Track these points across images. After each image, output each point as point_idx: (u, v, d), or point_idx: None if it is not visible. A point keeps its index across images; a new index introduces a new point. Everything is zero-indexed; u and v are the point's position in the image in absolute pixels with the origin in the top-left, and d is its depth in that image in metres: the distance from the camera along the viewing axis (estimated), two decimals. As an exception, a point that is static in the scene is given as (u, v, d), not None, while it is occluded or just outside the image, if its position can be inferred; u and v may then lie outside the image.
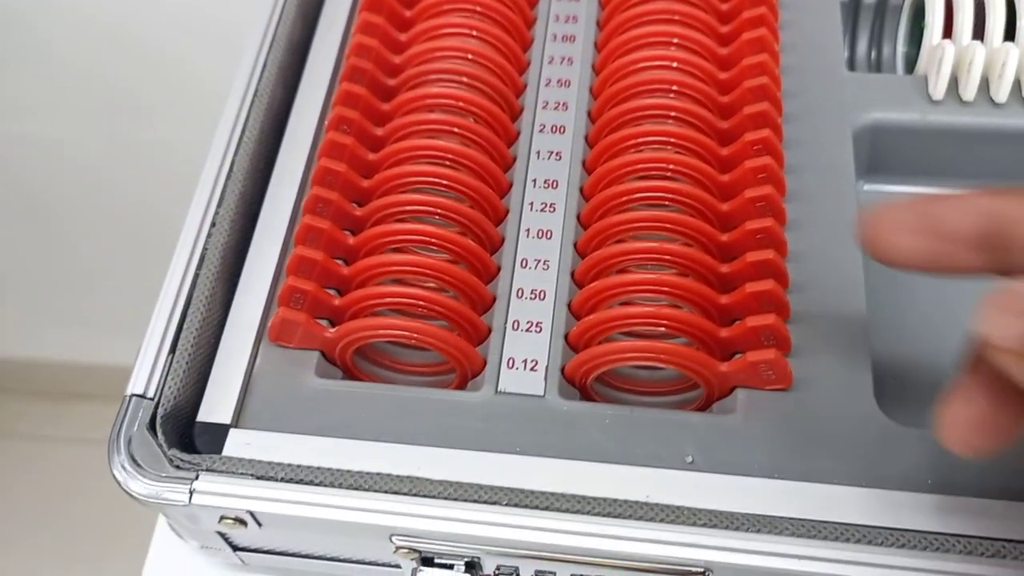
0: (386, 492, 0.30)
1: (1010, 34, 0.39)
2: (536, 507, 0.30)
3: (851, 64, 0.43)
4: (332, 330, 0.33)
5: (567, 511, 0.29)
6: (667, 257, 0.34)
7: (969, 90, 0.38)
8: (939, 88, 0.38)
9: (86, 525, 1.02)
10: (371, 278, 0.35)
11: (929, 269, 0.25)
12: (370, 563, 0.34)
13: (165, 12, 0.69)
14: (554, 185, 0.38)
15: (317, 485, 0.30)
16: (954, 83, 0.39)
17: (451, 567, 0.31)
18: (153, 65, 0.73)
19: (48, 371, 1.12)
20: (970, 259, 0.24)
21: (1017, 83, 0.38)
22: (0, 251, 0.97)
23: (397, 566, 0.33)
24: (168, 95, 0.75)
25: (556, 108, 0.40)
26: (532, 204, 0.37)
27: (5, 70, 0.75)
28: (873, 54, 0.44)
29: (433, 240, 0.35)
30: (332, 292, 0.34)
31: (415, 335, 0.33)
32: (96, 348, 1.06)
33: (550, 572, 0.31)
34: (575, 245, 0.36)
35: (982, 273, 0.24)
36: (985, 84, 0.38)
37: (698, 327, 0.32)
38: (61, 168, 0.86)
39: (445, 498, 0.30)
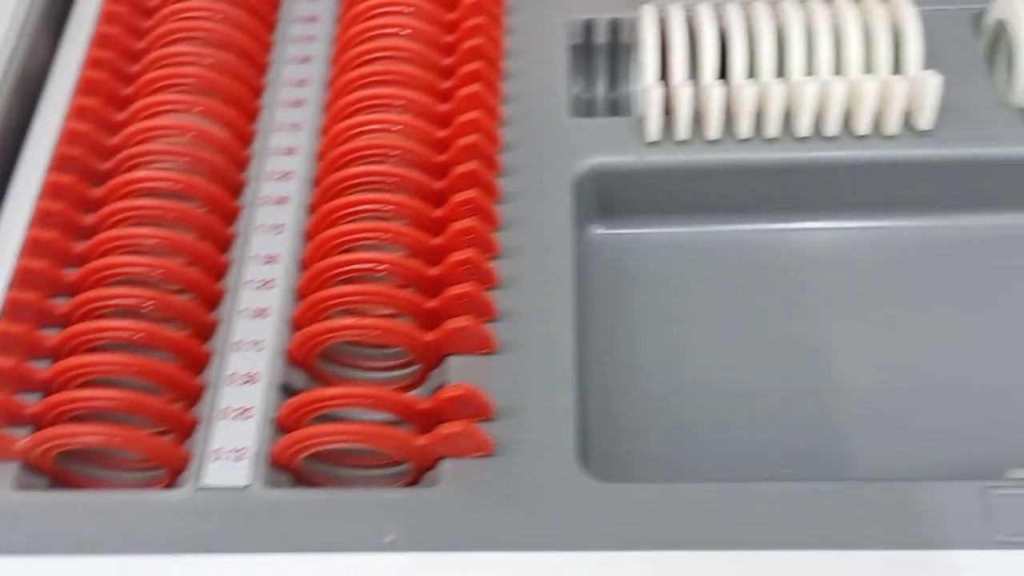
0: (68, 612, 0.29)
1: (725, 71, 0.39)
2: (224, 610, 0.29)
3: (589, 108, 0.43)
4: (23, 440, 0.32)
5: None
6: (375, 333, 0.34)
7: (681, 129, 0.38)
8: (653, 129, 0.39)
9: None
10: (71, 380, 0.33)
11: None
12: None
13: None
14: (275, 260, 0.37)
15: (-6, 613, 0.29)
16: (670, 123, 0.39)
17: (155, 677, 0.30)
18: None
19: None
20: None
21: (728, 119, 0.39)
22: None
23: None
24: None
25: (281, 179, 0.39)
26: (251, 281, 0.36)
27: None
28: (610, 96, 0.44)
29: (136, 336, 0.34)
30: (27, 399, 0.33)
31: (106, 438, 0.32)
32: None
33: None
34: (292, 320, 0.35)
35: None
36: (699, 122, 0.39)
37: (395, 402, 0.32)
38: None
39: (131, 611, 0.29)
